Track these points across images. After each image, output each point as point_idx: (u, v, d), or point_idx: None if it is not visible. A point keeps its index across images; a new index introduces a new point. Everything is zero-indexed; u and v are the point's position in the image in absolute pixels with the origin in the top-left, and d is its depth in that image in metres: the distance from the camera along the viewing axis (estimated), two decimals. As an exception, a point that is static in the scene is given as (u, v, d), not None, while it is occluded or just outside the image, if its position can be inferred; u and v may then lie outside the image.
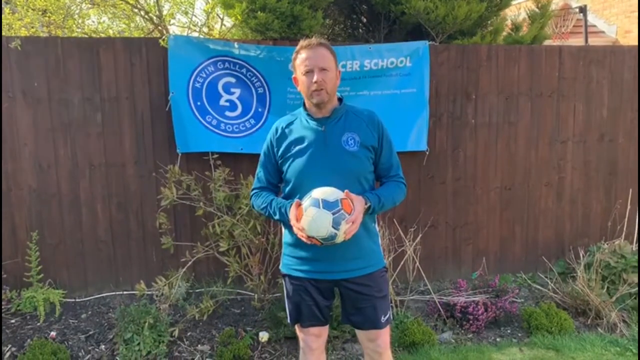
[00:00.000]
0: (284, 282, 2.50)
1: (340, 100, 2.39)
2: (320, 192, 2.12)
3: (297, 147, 2.31)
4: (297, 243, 2.35)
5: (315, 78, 2.22)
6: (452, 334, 3.75)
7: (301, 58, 2.27)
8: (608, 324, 3.83)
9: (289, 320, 2.53)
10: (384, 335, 2.44)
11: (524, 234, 4.65)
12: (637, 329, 3.77)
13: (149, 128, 4.00)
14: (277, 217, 2.32)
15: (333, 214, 2.06)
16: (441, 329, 3.80)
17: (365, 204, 2.20)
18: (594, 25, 9.88)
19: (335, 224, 2.06)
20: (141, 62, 3.94)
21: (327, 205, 2.08)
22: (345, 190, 2.14)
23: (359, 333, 2.50)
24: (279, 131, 2.39)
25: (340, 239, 2.11)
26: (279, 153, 2.36)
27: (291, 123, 2.39)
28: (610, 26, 9.99)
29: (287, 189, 2.38)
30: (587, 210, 4.71)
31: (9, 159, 3.85)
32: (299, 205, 2.15)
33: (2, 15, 4.55)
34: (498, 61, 4.39)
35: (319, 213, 2.07)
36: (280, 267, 2.51)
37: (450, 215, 4.49)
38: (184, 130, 3.91)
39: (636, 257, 4.11)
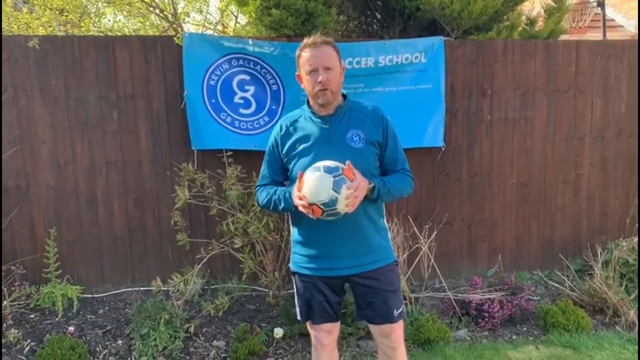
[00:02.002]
0: (294, 280, 2.51)
1: (344, 96, 2.38)
2: (322, 162, 2.13)
3: (302, 146, 2.31)
4: (305, 241, 2.36)
5: (320, 78, 2.21)
6: (467, 332, 3.73)
7: (305, 57, 2.26)
8: (626, 322, 3.78)
9: (299, 317, 2.53)
10: (398, 330, 2.44)
11: (540, 231, 4.60)
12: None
13: (165, 126, 4.03)
14: (282, 205, 2.30)
15: (334, 177, 2.06)
16: (456, 326, 3.78)
17: (369, 183, 2.20)
18: (612, 20, 9.71)
19: (336, 187, 2.05)
20: (156, 60, 3.97)
21: (328, 169, 2.08)
22: (347, 162, 2.13)
23: (373, 328, 2.50)
24: (284, 129, 2.39)
25: (342, 206, 2.08)
26: (284, 151, 2.36)
27: (295, 121, 2.39)
28: (629, 20, 9.82)
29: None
30: (604, 207, 4.65)
31: (27, 157, 3.91)
32: (301, 176, 2.15)
33: (20, 15, 4.61)
34: (514, 56, 4.34)
35: (319, 176, 2.07)
36: (289, 265, 2.51)
37: (466, 212, 4.46)
38: (198, 127, 3.93)
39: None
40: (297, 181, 2.16)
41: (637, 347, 3.51)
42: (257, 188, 2.49)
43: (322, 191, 2.05)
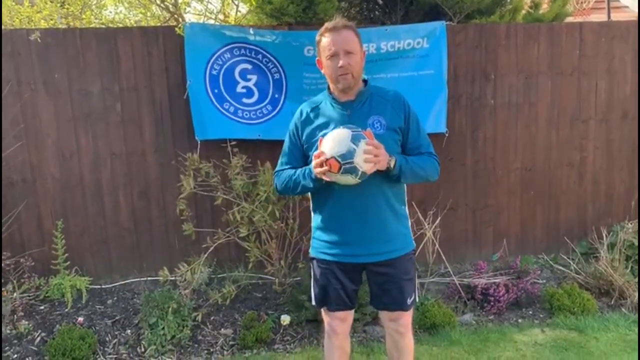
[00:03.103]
0: (311, 266, 2.50)
1: (365, 82, 2.36)
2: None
3: (323, 132, 2.28)
4: (326, 227, 2.36)
5: (341, 62, 2.19)
6: (472, 316, 3.75)
7: (326, 41, 2.23)
8: (632, 304, 3.80)
9: (314, 303, 2.53)
10: (407, 317, 2.46)
11: (545, 215, 4.60)
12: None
13: (168, 116, 4.04)
14: (302, 181, 2.27)
15: (352, 131, 2.09)
16: (462, 310, 3.81)
17: (390, 157, 2.17)
18: (617, 0, 9.60)
19: (355, 140, 2.06)
20: (158, 51, 3.97)
21: (348, 127, 2.13)
22: (368, 129, 2.16)
23: (382, 313, 2.51)
24: (304, 114, 2.37)
25: (359, 160, 2.05)
26: (304, 137, 2.35)
27: (316, 107, 2.37)
28: (634, 0, 9.70)
29: None
30: (610, 189, 4.64)
31: (33, 150, 3.93)
32: (322, 140, 2.17)
33: (22, 9, 4.61)
34: (517, 40, 4.31)
35: (338, 130, 2.12)
36: (309, 251, 2.50)
37: (470, 197, 4.46)
38: (201, 117, 3.93)
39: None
40: (318, 145, 2.17)
41: (642, 329, 3.53)
42: (276, 173, 2.46)
43: (341, 143, 2.06)
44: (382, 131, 2.26)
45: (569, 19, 5.30)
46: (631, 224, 4.25)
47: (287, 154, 2.44)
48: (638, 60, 4.46)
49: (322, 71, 2.32)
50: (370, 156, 2.07)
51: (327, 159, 2.07)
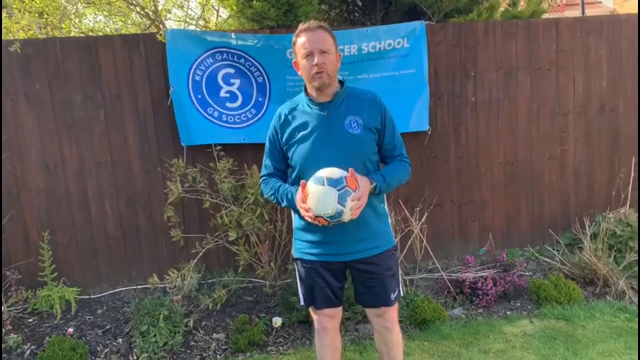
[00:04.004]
0: (296, 266, 2.55)
1: (341, 83, 2.39)
2: (325, 172, 2.16)
3: (301, 133, 2.33)
4: (307, 227, 2.38)
5: (315, 60, 2.22)
6: (462, 310, 3.80)
7: (301, 42, 2.27)
8: (616, 291, 3.87)
9: (302, 303, 2.57)
10: (392, 311, 2.50)
11: (529, 208, 4.68)
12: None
13: (152, 123, 4.03)
14: (284, 203, 2.36)
15: (338, 190, 2.09)
16: (451, 305, 3.85)
17: (371, 183, 2.24)
18: (591, -4, 9.79)
19: (341, 200, 2.09)
20: (140, 58, 3.97)
21: (332, 182, 2.11)
22: (350, 169, 2.17)
23: (368, 310, 2.55)
24: (282, 117, 2.40)
25: (347, 216, 2.14)
26: (283, 139, 2.39)
27: (294, 109, 2.40)
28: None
29: (294, 174, 2.42)
30: (591, 181, 4.74)
31: (17, 162, 3.90)
32: (305, 186, 2.19)
33: (1, 19, 4.57)
34: (495, 37, 4.39)
35: (324, 190, 2.10)
36: (292, 252, 2.54)
37: (455, 193, 4.52)
38: (186, 123, 3.94)
39: (642, 224, 4.14)
40: (300, 190, 2.20)
41: (627, 315, 3.60)
42: (261, 179, 2.52)
43: (328, 205, 2.10)
44: (358, 131, 2.30)
45: (545, 16, 5.39)
46: (612, 213, 4.35)
47: (269, 156, 2.48)
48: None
49: (299, 73, 2.35)
50: (356, 209, 2.15)
51: (315, 216, 2.15)
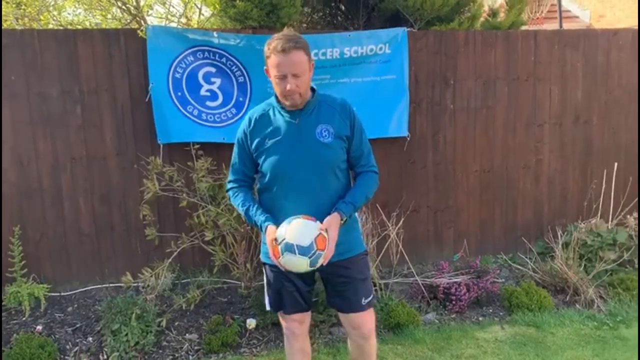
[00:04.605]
0: (264, 270, 2.51)
1: (313, 90, 2.35)
2: (294, 235, 2.14)
3: (272, 141, 2.29)
4: None
5: (288, 87, 2.16)
6: (435, 315, 3.83)
7: (273, 61, 2.17)
8: (586, 300, 3.95)
9: (269, 308, 2.54)
10: (369, 322, 2.48)
11: (503, 215, 4.75)
12: (613, 304, 3.89)
13: (130, 119, 3.98)
14: (255, 224, 2.36)
15: (309, 257, 2.12)
16: (425, 310, 3.88)
17: (341, 219, 2.24)
18: (568, 10, 10.00)
19: (312, 264, 2.15)
20: (120, 54, 3.91)
21: (302, 250, 2.12)
22: (319, 225, 2.17)
23: (342, 318, 2.53)
24: (252, 123, 2.35)
25: (319, 267, 2.21)
26: (253, 146, 2.33)
27: (264, 115, 2.35)
28: (583, 11, 10.13)
29: (264, 181, 2.36)
30: (564, 190, 4.83)
31: (-12, 154, 3.81)
32: (275, 241, 2.17)
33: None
34: (475, 47, 4.45)
35: (295, 259, 2.13)
36: (260, 255, 2.51)
37: (432, 199, 4.57)
38: (165, 121, 3.90)
39: (611, 235, 4.24)
40: (272, 244, 2.19)
41: (595, 323, 3.68)
42: (229, 188, 2.46)
43: (301, 268, 2.18)
44: (329, 139, 2.28)
45: (524, 28, 5.49)
46: (584, 223, 4.44)
47: (238, 161, 2.42)
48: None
49: (270, 79, 2.26)
50: (327, 260, 2.20)
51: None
